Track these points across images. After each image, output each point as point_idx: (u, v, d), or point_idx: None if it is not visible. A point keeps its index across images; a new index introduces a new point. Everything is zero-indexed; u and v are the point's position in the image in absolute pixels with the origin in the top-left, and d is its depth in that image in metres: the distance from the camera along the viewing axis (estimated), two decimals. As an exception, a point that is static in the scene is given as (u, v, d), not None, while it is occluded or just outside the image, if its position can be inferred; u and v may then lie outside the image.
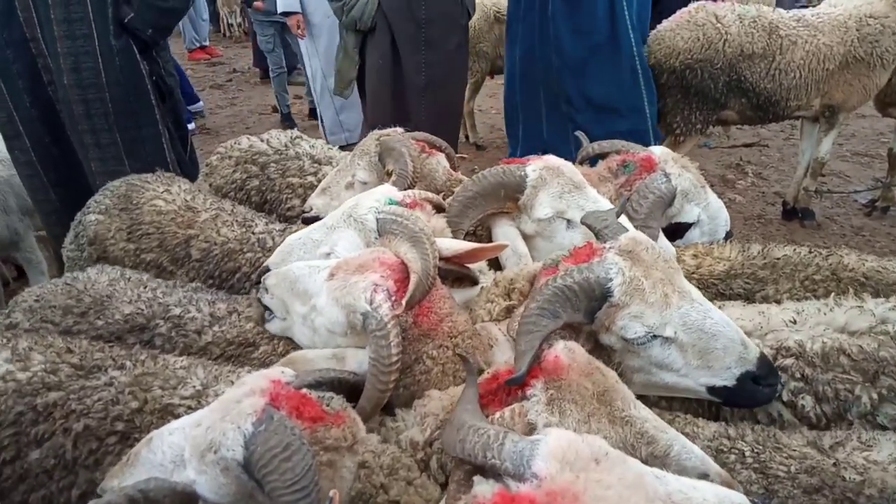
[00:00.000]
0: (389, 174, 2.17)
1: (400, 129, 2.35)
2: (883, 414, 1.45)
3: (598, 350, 1.40)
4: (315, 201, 2.34)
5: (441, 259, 1.57)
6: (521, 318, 1.29)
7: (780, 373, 1.50)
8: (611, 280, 1.33)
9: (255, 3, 6.90)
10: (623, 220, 1.77)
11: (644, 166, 2.11)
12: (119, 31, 3.04)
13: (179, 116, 3.52)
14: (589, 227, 1.57)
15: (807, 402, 1.49)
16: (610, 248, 1.40)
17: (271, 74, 7.69)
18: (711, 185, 5.29)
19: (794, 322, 1.60)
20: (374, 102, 4.12)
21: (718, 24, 3.91)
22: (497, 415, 1.14)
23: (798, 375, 1.50)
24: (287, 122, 7.64)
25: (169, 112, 3.38)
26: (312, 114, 7.62)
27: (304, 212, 2.37)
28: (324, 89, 5.98)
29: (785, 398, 1.51)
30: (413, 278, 1.43)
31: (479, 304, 1.65)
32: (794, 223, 4.74)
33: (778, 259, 1.96)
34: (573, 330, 1.38)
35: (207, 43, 11.82)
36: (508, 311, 1.57)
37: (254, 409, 1.05)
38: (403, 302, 1.39)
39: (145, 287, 1.84)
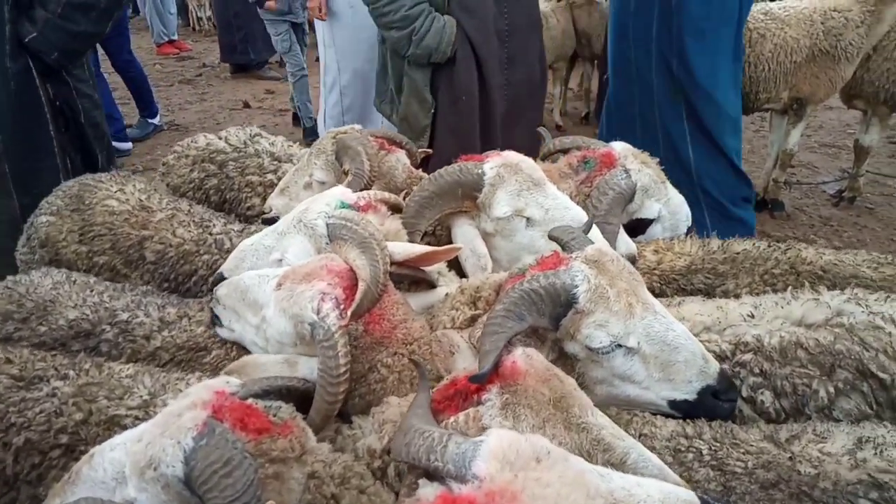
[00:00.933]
0: (346, 173, 2.12)
1: (358, 126, 2.30)
2: (839, 408, 1.47)
3: (563, 360, 1.40)
4: (274, 202, 2.29)
5: (394, 264, 1.53)
6: (487, 319, 1.29)
7: (738, 368, 1.52)
8: (576, 287, 1.34)
9: (268, 3, 6.35)
10: (594, 232, 1.76)
11: (604, 162, 2.10)
12: (17, 51, 2.70)
13: (89, 144, 3.09)
14: (556, 239, 1.58)
15: (766, 397, 1.50)
16: (576, 257, 1.41)
17: (290, 79, 6.83)
18: (682, 178, 5.33)
19: (752, 316, 1.61)
20: (452, 143, 3.06)
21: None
22: (451, 419, 1.13)
23: (757, 371, 1.51)
24: (311, 136, 6.32)
25: (75, 139, 3.00)
26: (295, 119, 7.18)
27: (263, 212, 2.32)
28: (335, 84, 5.33)
29: (744, 394, 1.52)
30: (361, 286, 1.39)
31: (442, 310, 1.62)
32: (764, 214, 4.79)
33: (738, 254, 1.98)
34: (538, 339, 1.39)
35: (176, 37, 11.57)
36: (472, 319, 1.55)
37: (195, 423, 1.03)
38: (349, 312, 1.35)
39: (91, 291, 1.77)
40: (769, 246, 2.01)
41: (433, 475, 0.96)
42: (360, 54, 4.91)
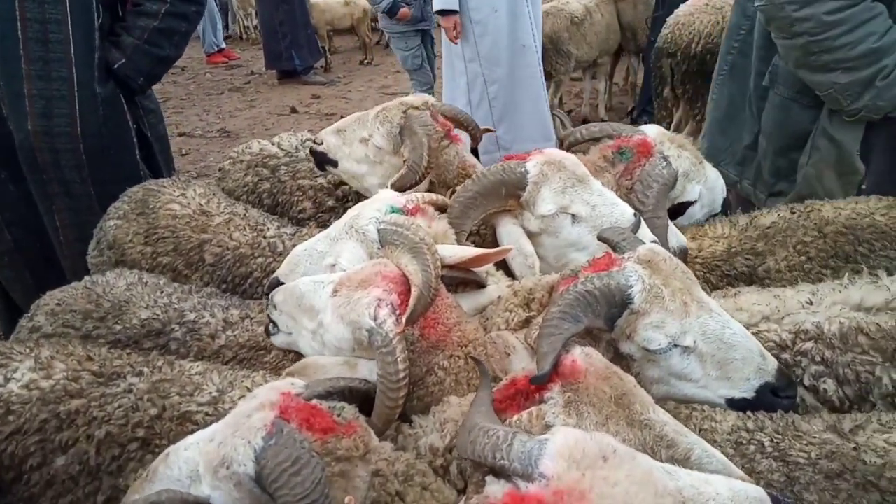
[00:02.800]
0: (404, 160, 2.13)
1: (431, 100, 2.26)
2: None
3: (618, 359, 1.39)
4: (328, 138, 2.31)
5: (445, 267, 1.55)
6: (543, 322, 1.29)
7: (800, 356, 1.50)
8: (631, 287, 1.34)
9: (402, 10, 5.79)
10: (643, 230, 1.74)
11: (641, 151, 2.03)
12: (105, 77, 2.71)
13: (156, 160, 3.11)
14: (606, 241, 1.57)
15: (829, 385, 1.48)
16: (629, 257, 1.40)
17: None
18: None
19: (811, 303, 1.60)
20: None
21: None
22: (515, 418, 1.15)
23: (818, 359, 1.49)
24: None
25: (149, 158, 3.04)
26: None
27: (314, 142, 2.36)
28: (483, 99, 5.07)
29: (807, 382, 1.50)
30: (414, 292, 1.41)
31: (497, 312, 1.63)
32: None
33: (768, 228, 2.00)
34: (593, 339, 1.39)
35: (224, 46, 11.96)
36: (527, 321, 1.55)
37: (263, 424, 1.07)
38: (404, 318, 1.37)
39: (161, 292, 1.86)
40: (792, 212, 2.02)
41: (499, 473, 0.97)
42: (503, 62, 4.88)
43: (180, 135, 7.73)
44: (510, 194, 1.84)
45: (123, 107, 2.81)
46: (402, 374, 1.33)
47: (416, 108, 2.21)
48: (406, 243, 1.53)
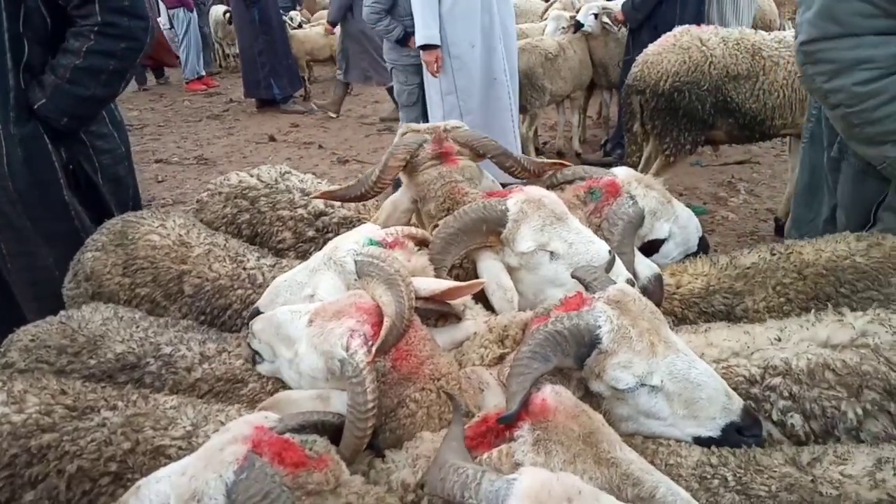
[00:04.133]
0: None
1: (455, 124, 2.36)
2: (866, 431, 1.49)
3: (588, 398, 1.44)
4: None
5: (420, 299, 1.58)
6: (513, 360, 1.33)
7: (768, 391, 1.55)
8: (599, 327, 1.39)
9: (412, 39, 5.43)
10: (618, 266, 1.81)
11: (609, 191, 2.14)
12: (26, 116, 2.58)
13: (106, 203, 2.92)
14: (579, 279, 1.62)
15: (796, 420, 1.53)
16: (599, 297, 1.45)
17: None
18: (704, 203, 5.36)
19: (779, 339, 1.65)
20: None
21: (703, 48, 4.01)
22: (485, 455, 1.18)
23: (786, 394, 1.54)
24: None
25: (92, 199, 2.87)
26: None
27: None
28: None
29: (775, 417, 1.54)
30: (386, 322, 1.44)
31: (471, 348, 1.67)
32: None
33: (748, 268, 2.04)
34: (564, 377, 1.43)
35: (204, 73, 12.00)
36: (501, 357, 1.59)
37: (235, 457, 1.08)
38: (374, 348, 1.40)
39: (137, 326, 1.86)
40: (772, 254, 2.06)
41: None
42: (476, 93, 5.14)
43: (157, 161, 7.71)
44: (491, 231, 1.89)
45: (48, 147, 2.66)
46: (370, 405, 1.35)
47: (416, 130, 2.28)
48: (381, 275, 1.56)
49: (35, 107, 2.59)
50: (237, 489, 1.04)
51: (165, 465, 1.25)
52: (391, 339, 1.45)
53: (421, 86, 5.89)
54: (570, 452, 1.14)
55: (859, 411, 1.49)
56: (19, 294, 2.87)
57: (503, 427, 1.21)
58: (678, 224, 2.27)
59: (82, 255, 2.32)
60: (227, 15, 11.22)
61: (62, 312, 1.99)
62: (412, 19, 5.22)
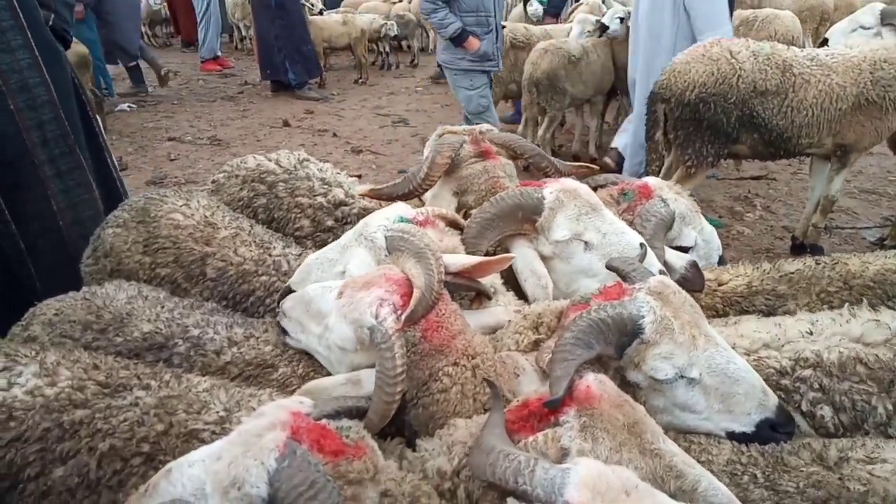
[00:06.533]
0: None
1: (487, 127, 2.36)
2: (895, 426, 1.49)
3: (624, 387, 1.43)
4: None
5: (448, 274, 1.58)
6: (556, 346, 1.33)
7: (798, 383, 1.56)
8: (643, 317, 1.39)
9: (471, 39, 4.99)
10: (650, 257, 1.80)
11: (642, 193, 2.21)
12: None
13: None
14: (616, 270, 1.62)
15: (825, 412, 1.54)
16: (640, 288, 1.45)
17: None
18: (719, 217, 5.33)
19: (811, 333, 1.65)
20: None
21: (733, 60, 3.96)
22: (530, 439, 1.18)
23: (816, 386, 1.55)
24: None
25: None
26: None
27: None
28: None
29: (804, 408, 1.55)
30: (416, 293, 1.45)
31: (506, 334, 1.67)
32: (803, 259, 4.76)
33: (792, 273, 2.04)
34: (602, 365, 1.43)
35: (220, 54, 11.96)
36: (536, 344, 1.59)
37: (276, 444, 1.06)
38: (403, 317, 1.41)
39: (163, 307, 1.84)
40: (817, 263, 2.07)
41: (520, 497, 0.99)
42: None
43: (170, 139, 7.68)
44: (526, 218, 1.90)
45: (68, 63, 2.82)
46: (399, 370, 1.36)
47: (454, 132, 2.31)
48: (411, 248, 1.58)
49: (49, 24, 2.65)
50: (280, 477, 1.02)
51: (198, 448, 1.24)
52: (420, 310, 1.46)
53: (490, 88, 5.37)
54: (616, 441, 1.14)
55: (889, 406, 1.49)
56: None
57: (547, 411, 1.21)
58: (702, 236, 2.31)
59: (102, 231, 2.28)
60: (246, -7, 11.17)
61: (84, 288, 1.96)
62: (475, 16, 4.81)
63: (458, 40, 4.99)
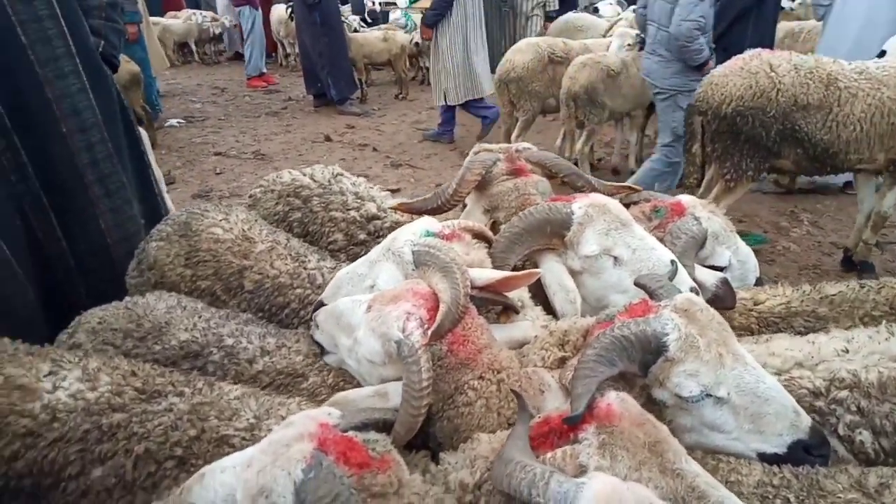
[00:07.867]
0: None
1: (525, 146, 2.40)
2: None
3: (650, 405, 1.42)
4: None
5: (475, 288, 1.60)
6: (578, 363, 1.33)
7: (834, 405, 1.48)
8: (667, 335, 1.37)
9: (709, 62, 4.83)
10: (681, 274, 1.77)
11: (675, 210, 2.18)
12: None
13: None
14: (643, 287, 1.60)
15: (864, 437, 1.46)
16: (665, 305, 1.43)
17: None
18: (765, 232, 5.17)
19: (846, 351, 1.57)
20: None
21: (772, 73, 3.87)
22: (549, 454, 1.17)
23: (854, 408, 1.47)
24: None
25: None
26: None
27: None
28: None
29: (841, 432, 1.48)
30: (442, 307, 1.47)
31: (532, 350, 1.67)
32: (852, 275, 4.57)
33: (834, 296, 1.95)
34: (627, 383, 1.41)
35: (266, 71, 12.33)
36: (562, 361, 1.59)
37: (303, 455, 1.09)
38: (429, 331, 1.43)
39: (200, 317, 1.91)
40: (862, 287, 1.97)
41: None
42: None
43: (216, 154, 7.93)
44: (555, 233, 1.90)
45: (115, 87, 2.94)
46: (425, 384, 1.38)
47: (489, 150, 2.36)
48: (437, 263, 1.60)
49: (99, 51, 2.78)
50: (306, 488, 1.05)
51: (228, 453, 1.28)
52: (447, 324, 1.47)
53: None
54: (636, 459, 1.12)
55: None
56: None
57: (567, 428, 1.20)
58: (738, 256, 2.25)
59: (147, 244, 2.38)
60: (290, 12, 11.50)
61: (127, 298, 2.06)
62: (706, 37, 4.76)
63: (700, 67, 5.01)
